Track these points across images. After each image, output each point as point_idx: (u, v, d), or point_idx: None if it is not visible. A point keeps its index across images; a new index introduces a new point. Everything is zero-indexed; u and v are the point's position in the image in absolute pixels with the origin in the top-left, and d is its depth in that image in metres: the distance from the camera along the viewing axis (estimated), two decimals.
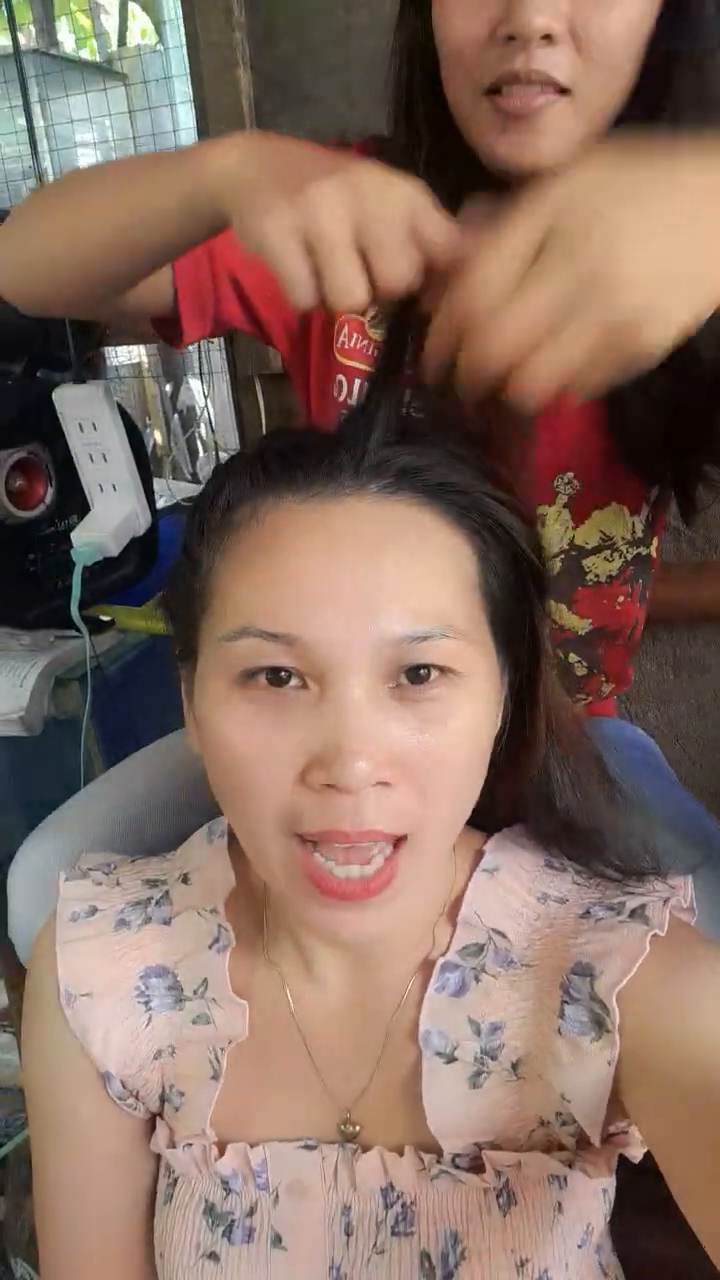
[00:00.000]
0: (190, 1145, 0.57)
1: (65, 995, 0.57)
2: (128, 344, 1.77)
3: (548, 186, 0.44)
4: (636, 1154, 0.53)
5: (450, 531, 0.49)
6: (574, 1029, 0.51)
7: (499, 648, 0.51)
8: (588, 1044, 0.50)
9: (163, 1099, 0.59)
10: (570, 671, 0.87)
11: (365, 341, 0.78)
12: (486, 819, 0.60)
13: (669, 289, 0.42)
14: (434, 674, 0.46)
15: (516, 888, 0.57)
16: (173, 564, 0.54)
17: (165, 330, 0.79)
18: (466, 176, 0.70)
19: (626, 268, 0.41)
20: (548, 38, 0.61)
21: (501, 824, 0.60)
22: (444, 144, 0.71)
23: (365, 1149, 0.55)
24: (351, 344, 0.79)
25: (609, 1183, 0.57)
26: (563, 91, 0.64)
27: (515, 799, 0.57)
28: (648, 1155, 0.50)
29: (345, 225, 0.45)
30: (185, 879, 0.61)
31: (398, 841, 0.47)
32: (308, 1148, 0.56)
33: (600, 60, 0.63)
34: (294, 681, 0.46)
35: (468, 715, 0.48)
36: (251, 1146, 0.56)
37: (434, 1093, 0.54)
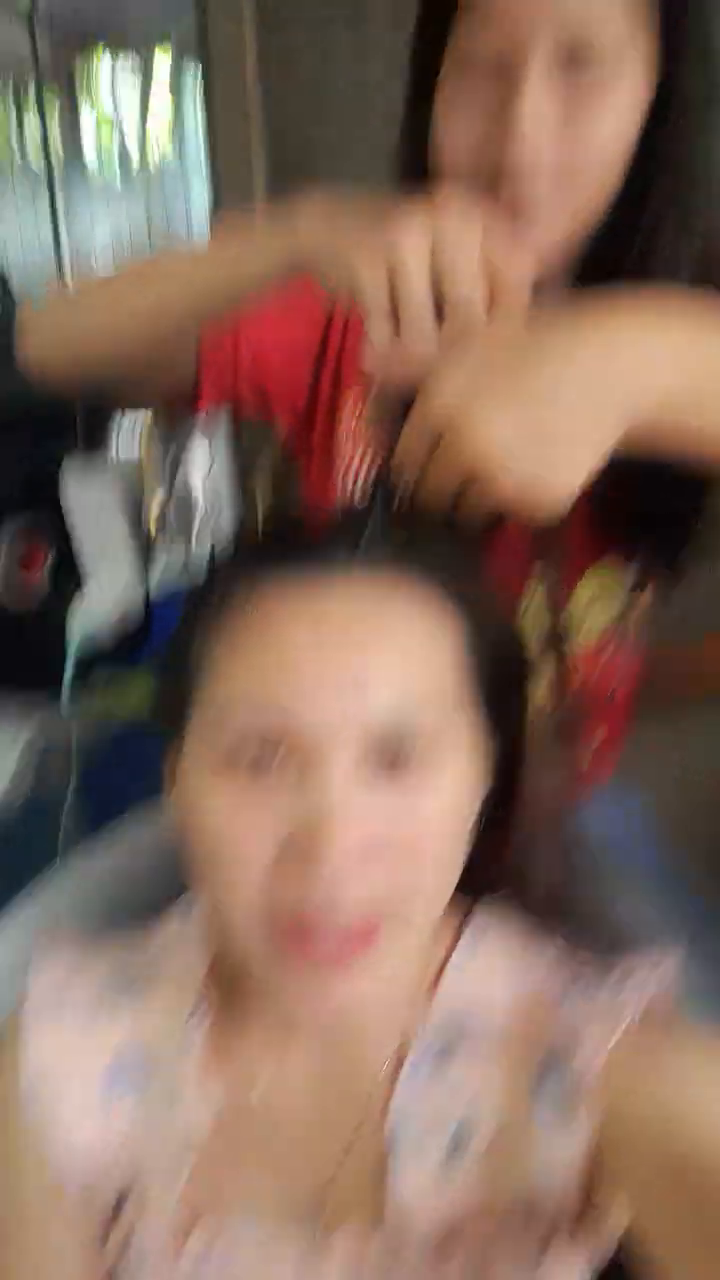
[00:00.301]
0: (153, 1231, 0.54)
1: (29, 1087, 0.56)
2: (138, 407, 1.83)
3: (428, 392, 0.50)
4: (610, 1244, 0.52)
5: (437, 613, 0.50)
6: (549, 1106, 0.50)
7: (484, 722, 0.52)
8: (563, 1121, 0.49)
9: (128, 1185, 0.57)
10: (558, 736, 0.87)
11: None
12: (471, 882, 0.59)
13: (537, 474, 0.49)
14: (418, 752, 0.47)
15: (498, 961, 0.56)
16: (168, 641, 0.55)
17: (179, 402, 0.83)
18: None
19: (493, 470, 0.49)
20: (535, 139, 0.63)
21: (485, 888, 0.59)
22: None
23: (333, 1234, 0.53)
24: (355, 426, 0.81)
25: (583, 1274, 0.54)
26: (549, 187, 0.66)
27: (497, 869, 0.57)
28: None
29: (423, 256, 0.51)
30: (161, 956, 0.60)
31: (378, 916, 0.47)
32: (275, 1234, 0.54)
33: (584, 164, 0.65)
34: (278, 762, 0.47)
35: (450, 791, 0.49)
36: (216, 1233, 0.54)
37: (403, 1177, 0.52)
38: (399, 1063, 0.54)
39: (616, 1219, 0.51)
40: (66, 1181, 0.55)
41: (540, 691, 0.82)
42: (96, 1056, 0.57)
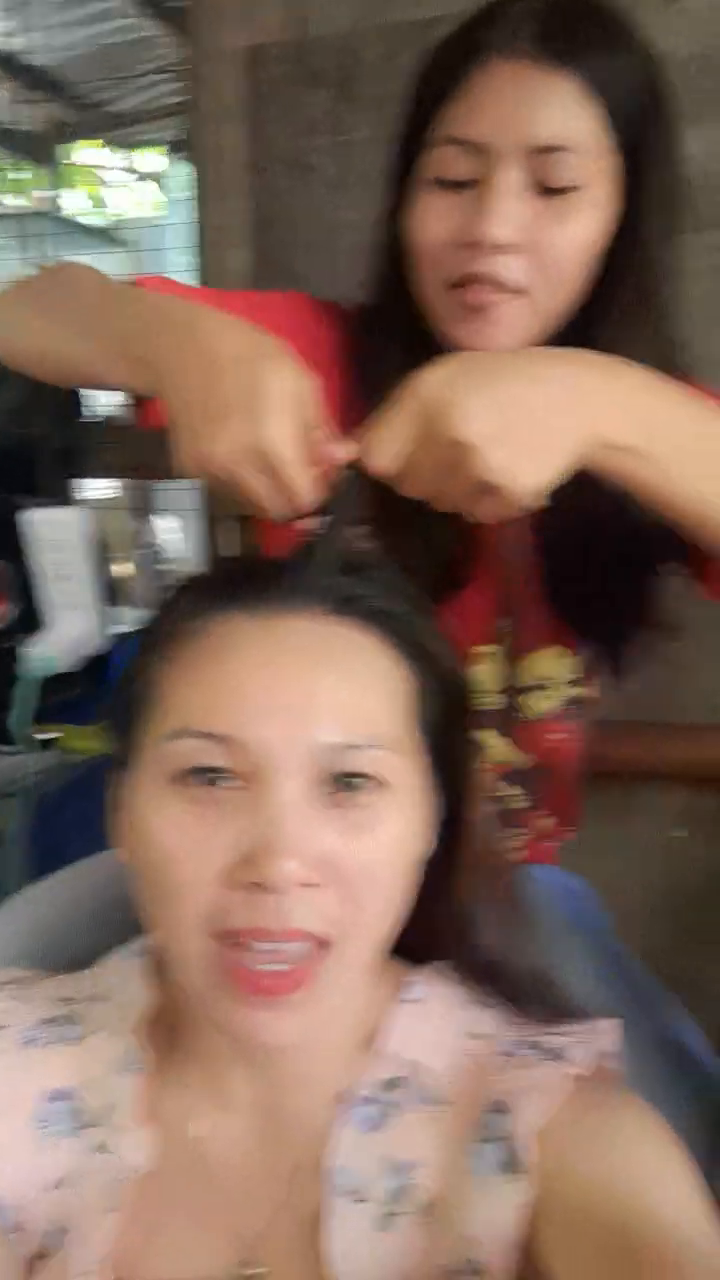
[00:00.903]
0: None
1: None
2: (104, 477, 1.85)
3: (416, 379, 0.56)
4: None
5: (387, 655, 0.52)
6: (487, 1168, 0.50)
7: (431, 768, 0.54)
8: (500, 1184, 0.49)
9: (52, 1234, 0.55)
10: (507, 806, 0.89)
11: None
12: (413, 952, 0.60)
13: (513, 456, 0.54)
14: (365, 783, 0.48)
15: (439, 1022, 0.56)
16: (121, 672, 0.56)
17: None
18: (426, 354, 0.78)
19: (474, 440, 0.54)
20: (506, 247, 0.70)
21: (427, 959, 0.60)
22: (410, 326, 0.79)
23: None
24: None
25: None
26: (518, 291, 0.72)
27: (440, 933, 0.58)
28: None
29: (249, 465, 0.56)
30: (100, 997, 0.60)
31: (320, 945, 0.48)
32: None
33: (553, 269, 0.72)
34: (228, 783, 0.48)
35: (397, 825, 0.50)
36: None
37: (338, 1233, 0.51)
38: (338, 1115, 0.54)
39: None
40: None
41: (492, 750, 0.84)
42: (27, 1096, 0.56)
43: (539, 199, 0.70)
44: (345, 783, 0.48)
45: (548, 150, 0.68)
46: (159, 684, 0.51)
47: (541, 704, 0.87)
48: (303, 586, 0.52)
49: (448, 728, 0.55)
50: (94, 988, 0.61)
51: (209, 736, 0.47)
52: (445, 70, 0.72)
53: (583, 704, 0.90)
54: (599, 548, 0.77)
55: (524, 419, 0.55)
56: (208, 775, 0.48)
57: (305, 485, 0.57)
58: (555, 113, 0.68)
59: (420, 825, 0.53)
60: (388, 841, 0.49)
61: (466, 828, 0.56)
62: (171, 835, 0.48)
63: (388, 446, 0.56)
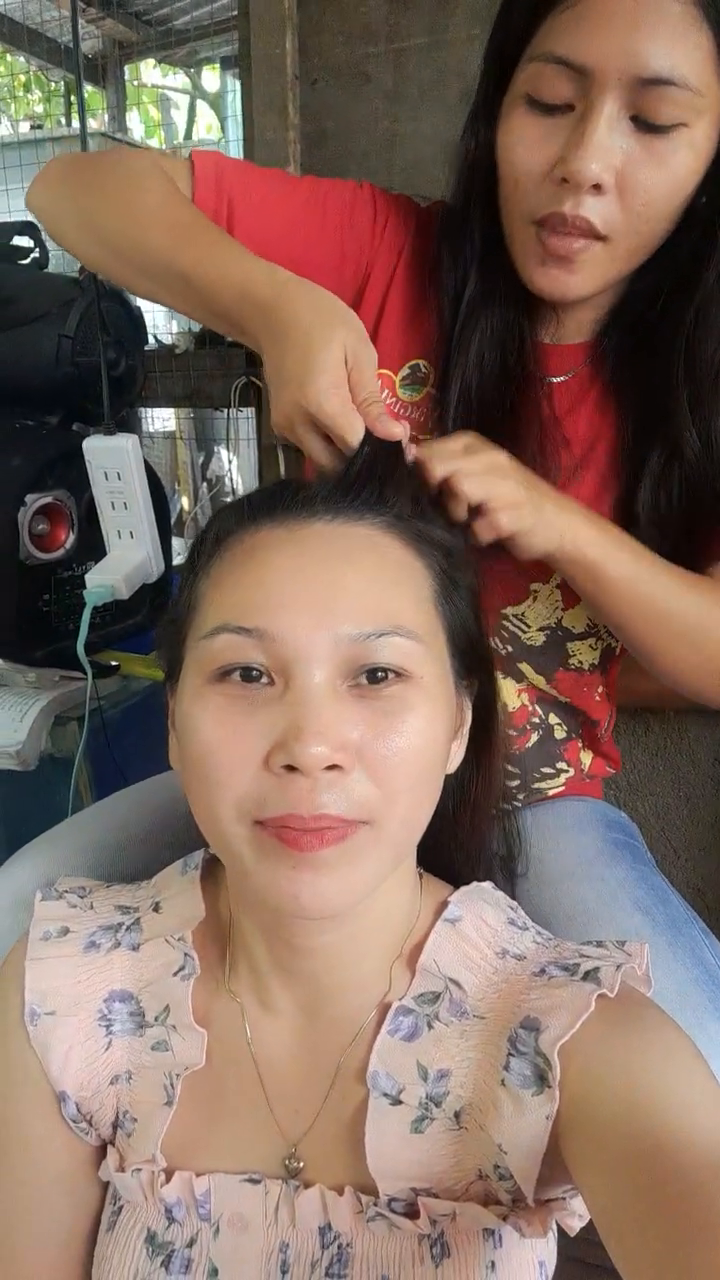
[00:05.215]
0: (139, 1170, 0.57)
1: (30, 1012, 0.58)
2: (161, 406, 1.86)
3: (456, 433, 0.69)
4: (574, 1225, 0.53)
5: (408, 553, 0.55)
6: (516, 1081, 0.51)
7: (453, 658, 0.56)
8: (528, 1097, 0.50)
9: (115, 1124, 0.60)
10: (550, 734, 0.89)
11: (394, 400, 0.82)
12: (455, 873, 0.62)
13: (530, 514, 0.67)
14: (390, 676, 0.50)
15: (477, 940, 0.58)
16: (171, 598, 0.59)
17: None
18: (500, 277, 0.76)
19: (510, 497, 0.66)
20: (597, 187, 0.66)
21: (469, 879, 0.62)
22: (486, 243, 0.76)
23: (307, 1186, 0.55)
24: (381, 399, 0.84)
25: (546, 1254, 0.56)
26: (601, 237, 0.68)
27: (479, 851, 0.59)
28: (589, 1230, 0.50)
29: (301, 425, 0.64)
30: (157, 907, 0.63)
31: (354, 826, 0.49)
32: (252, 1181, 0.56)
33: (641, 213, 0.67)
34: (264, 680, 0.50)
35: (423, 713, 0.51)
36: (197, 1176, 0.56)
37: (376, 1134, 0.54)
38: (379, 1024, 0.56)
39: (578, 1211, 0.52)
40: (62, 1103, 0.58)
41: (530, 678, 0.84)
42: (93, 997, 0.59)
43: (636, 134, 0.65)
44: (371, 676, 0.50)
45: (654, 83, 0.62)
46: (199, 596, 0.54)
47: (586, 654, 0.87)
48: (326, 496, 0.55)
49: (469, 628, 0.57)
50: (153, 897, 0.64)
51: (242, 631, 0.50)
52: None
53: (613, 659, 0.90)
54: (681, 491, 0.77)
55: (535, 508, 0.68)
56: (244, 673, 0.50)
57: (352, 441, 0.62)
58: (668, 43, 0.62)
59: (447, 710, 0.54)
60: (415, 727, 0.50)
61: (493, 721, 0.59)
62: (211, 727, 0.50)
63: (445, 450, 0.66)
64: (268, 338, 0.67)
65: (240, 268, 0.69)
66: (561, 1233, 0.55)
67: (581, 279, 0.71)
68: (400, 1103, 0.54)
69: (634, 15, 0.61)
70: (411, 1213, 0.53)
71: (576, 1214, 0.53)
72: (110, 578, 1.12)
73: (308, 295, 0.66)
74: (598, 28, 0.62)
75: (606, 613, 0.75)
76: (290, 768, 0.47)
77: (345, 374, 0.63)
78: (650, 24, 0.61)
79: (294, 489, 0.56)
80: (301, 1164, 0.56)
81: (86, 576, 1.15)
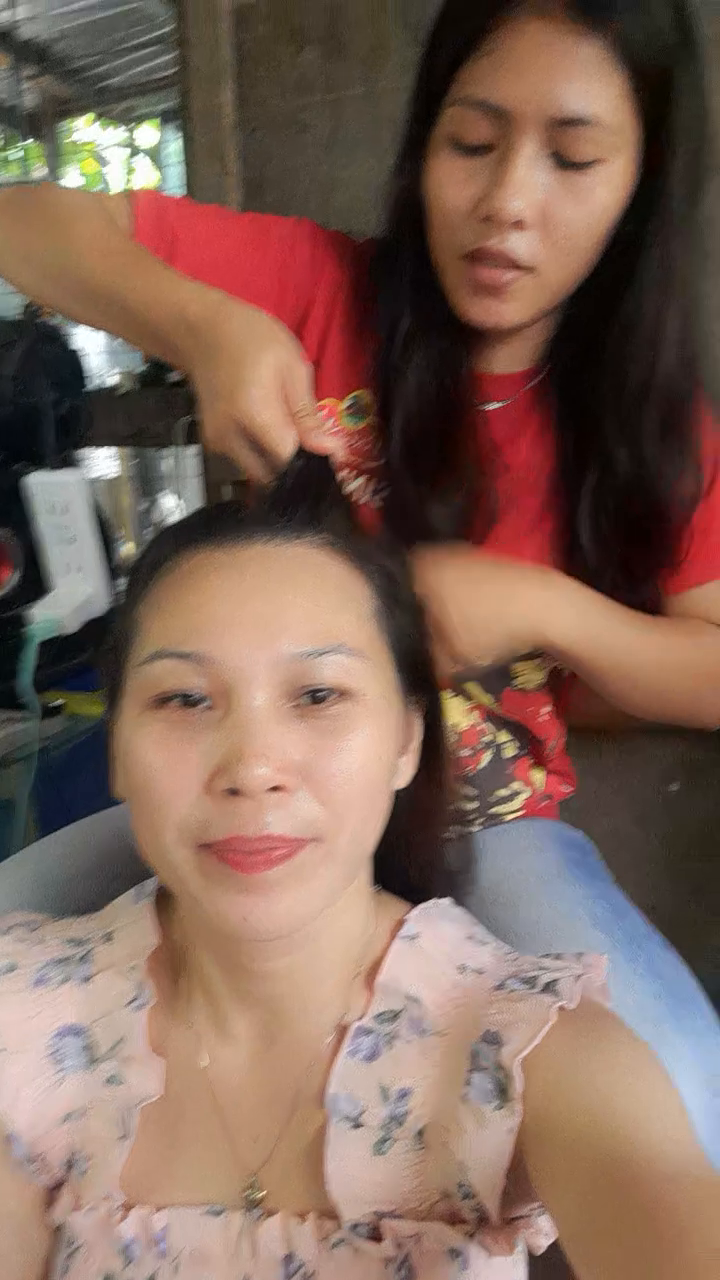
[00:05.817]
0: (94, 1209, 0.55)
1: None
2: (106, 445, 1.86)
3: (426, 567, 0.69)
4: (540, 1244, 0.52)
5: (347, 571, 0.55)
6: (478, 1096, 0.51)
7: (399, 674, 0.56)
8: (490, 1111, 0.50)
9: (69, 1164, 0.58)
10: (500, 753, 0.90)
11: (338, 429, 0.84)
12: (411, 891, 0.62)
13: (472, 618, 0.72)
14: (332, 695, 0.50)
15: (436, 956, 0.58)
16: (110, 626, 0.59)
17: None
18: (432, 305, 0.77)
19: (450, 599, 0.71)
20: (519, 223, 0.68)
21: (425, 896, 0.61)
22: (417, 277, 0.78)
23: (269, 1214, 0.54)
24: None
25: (515, 1278, 0.56)
26: (529, 268, 0.71)
27: (433, 866, 0.59)
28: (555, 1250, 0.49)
29: (234, 438, 0.65)
30: (109, 937, 0.62)
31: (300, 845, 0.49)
32: (212, 1213, 0.54)
33: (564, 245, 0.70)
34: (204, 704, 0.50)
35: (367, 731, 0.51)
36: (157, 1210, 0.55)
37: (337, 1158, 0.53)
38: (337, 1046, 0.55)
39: (545, 1230, 0.52)
40: (12, 1142, 0.56)
41: (477, 697, 0.85)
42: (41, 1033, 0.58)
43: (556, 171, 0.67)
44: (313, 695, 0.50)
45: (570, 123, 0.65)
46: (138, 620, 0.54)
47: (532, 676, 0.88)
48: (264, 517, 0.55)
49: (414, 644, 0.57)
50: (104, 928, 0.63)
51: (181, 656, 0.49)
52: (470, 21, 0.67)
53: (562, 682, 0.92)
54: (621, 519, 0.80)
55: (479, 604, 0.72)
56: (184, 698, 0.49)
57: (284, 452, 0.63)
58: (583, 85, 0.64)
59: (392, 727, 0.54)
60: (359, 745, 0.50)
61: (439, 735, 0.59)
62: (152, 753, 0.49)
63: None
64: (200, 355, 0.67)
65: (175, 290, 0.70)
66: (532, 1260, 0.54)
67: (513, 308, 0.73)
68: (361, 1125, 0.53)
69: (549, 59, 0.64)
70: (376, 1236, 0.52)
71: (543, 1232, 0.52)
72: (57, 611, 1.10)
73: (240, 314, 0.67)
74: (514, 72, 0.65)
75: (609, 693, 0.80)
76: (233, 791, 0.47)
77: (278, 387, 0.64)
78: (564, 67, 0.64)
79: (230, 510, 0.56)
80: (263, 1193, 0.55)
81: (32, 610, 1.14)
